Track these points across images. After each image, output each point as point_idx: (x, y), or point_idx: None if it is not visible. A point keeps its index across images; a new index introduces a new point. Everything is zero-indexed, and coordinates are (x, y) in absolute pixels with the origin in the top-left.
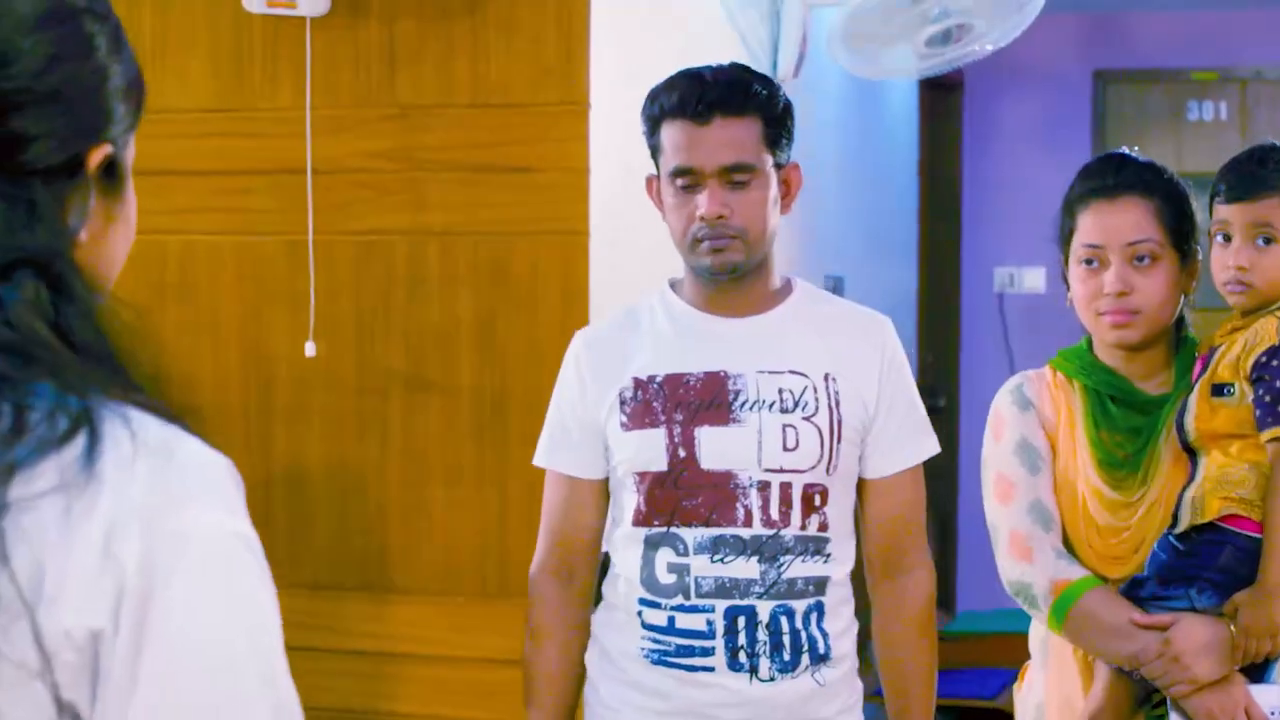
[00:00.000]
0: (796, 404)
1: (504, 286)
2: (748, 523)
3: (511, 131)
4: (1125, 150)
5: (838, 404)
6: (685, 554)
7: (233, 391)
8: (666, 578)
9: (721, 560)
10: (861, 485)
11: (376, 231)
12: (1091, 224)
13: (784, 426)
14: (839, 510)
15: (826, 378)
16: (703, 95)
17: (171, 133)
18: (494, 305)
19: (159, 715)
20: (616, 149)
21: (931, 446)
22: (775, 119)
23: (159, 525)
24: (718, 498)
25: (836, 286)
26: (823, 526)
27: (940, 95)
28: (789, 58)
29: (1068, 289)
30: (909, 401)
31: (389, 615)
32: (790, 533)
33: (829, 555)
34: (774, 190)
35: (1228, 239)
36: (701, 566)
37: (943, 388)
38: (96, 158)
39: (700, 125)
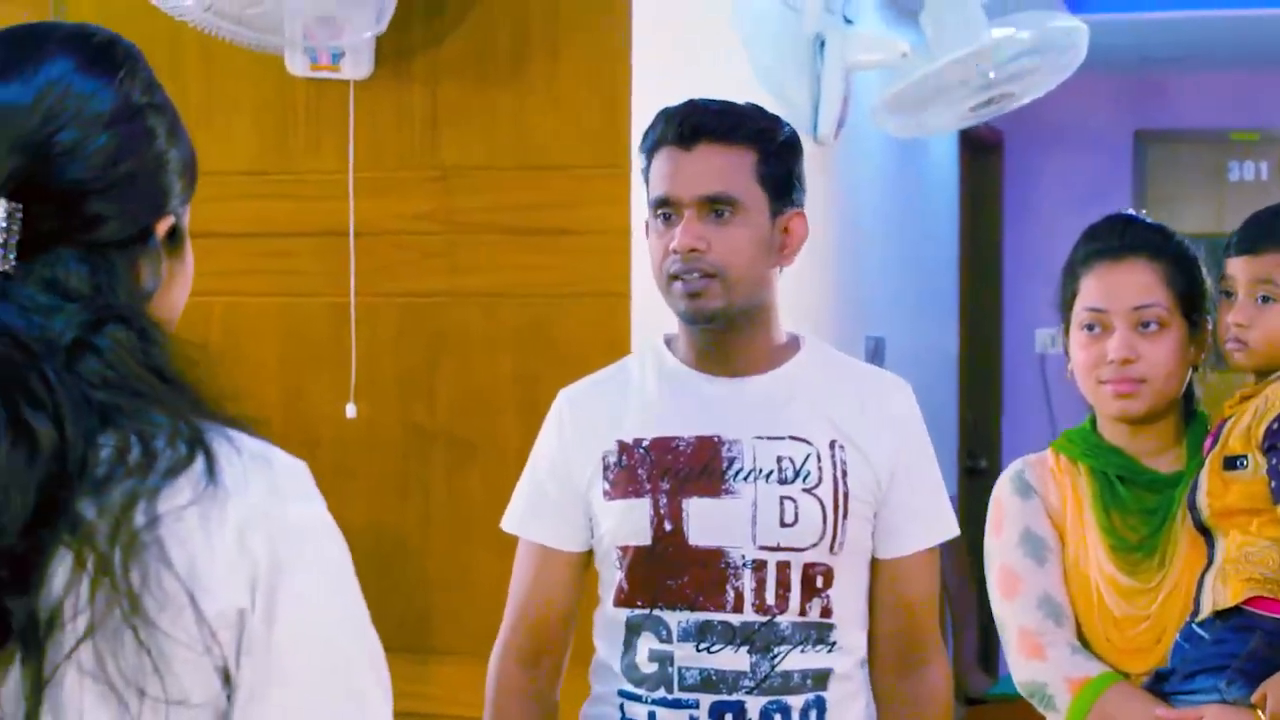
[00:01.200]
0: (797, 474)
1: (546, 348)
2: (737, 607)
3: (553, 194)
4: (1132, 211)
5: (844, 474)
6: (668, 640)
7: None
8: (648, 666)
9: (708, 649)
10: (872, 566)
11: (419, 293)
12: (1094, 287)
13: (782, 499)
14: (847, 593)
15: (833, 445)
16: (689, 119)
17: (215, 195)
18: (536, 367)
19: (291, 672)
20: None
21: (950, 528)
22: (772, 154)
23: (276, 520)
24: (705, 578)
25: (878, 348)
26: (826, 612)
27: (981, 156)
28: (829, 119)
29: (1068, 358)
30: (928, 476)
31: (431, 676)
32: (787, 619)
33: (834, 644)
34: (765, 233)
35: (1229, 295)
36: (686, 656)
37: (984, 449)
38: (162, 228)
39: (685, 151)
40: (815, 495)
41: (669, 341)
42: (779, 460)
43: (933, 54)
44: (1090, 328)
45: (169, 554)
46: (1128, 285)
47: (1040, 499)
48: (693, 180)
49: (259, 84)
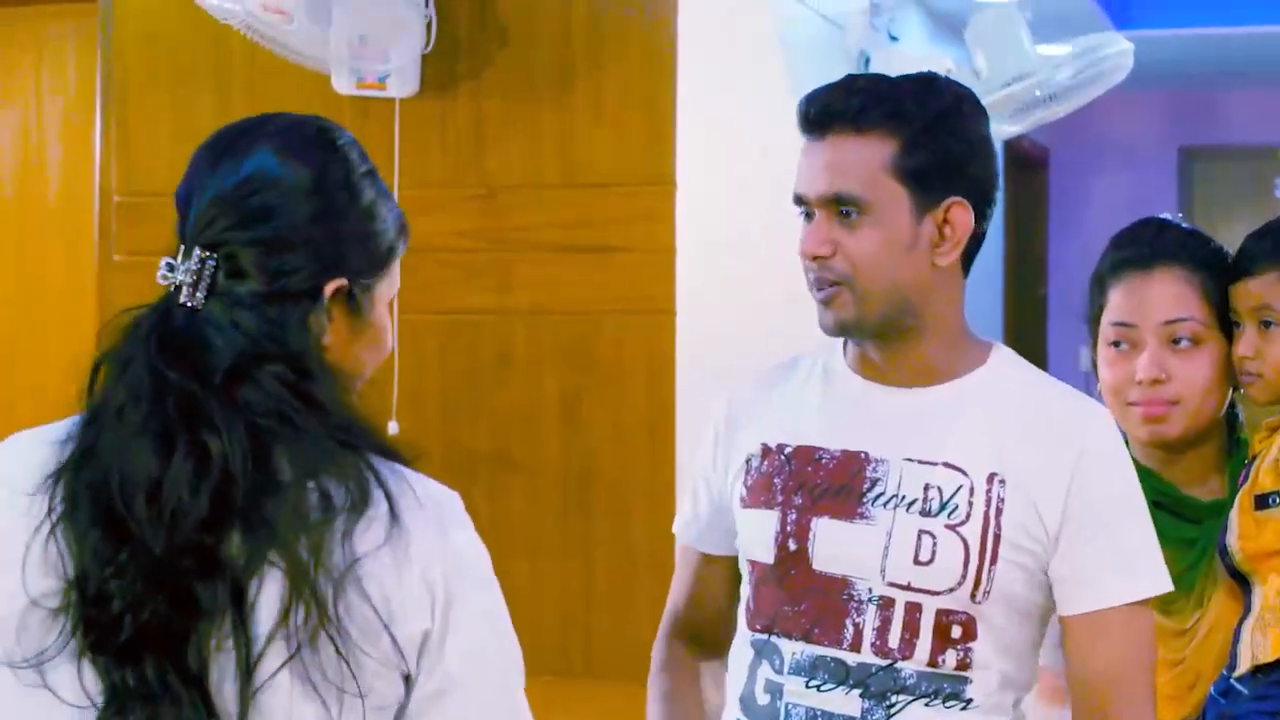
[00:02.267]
0: (943, 506)
1: (590, 365)
2: (855, 646)
3: (598, 211)
4: (1166, 216)
5: (998, 514)
6: (781, 671)
7: None
8: (762, 698)
9: (818, 687)
10: (1062, 626)
11: (463, 311)
12: (1122, 299)
13: (920, 533)
14: (994, 650)
15: (991, 479)
16: (819, 101)
17: None
18: (580, 384)
19: (460, 677)
20: (703, 228)
21: (1151, 584)
22: (918, 139)
23: (449, 556)
24: (824, 608)
25: None
26: (963, 665)
27: (1026, 171)
28: None
29: (1096, 378)
30: (1120, 521)
31: None
32: (912, 667)
33: (969, 703)
34: (905, 233)
35: (1238, 325)
36: (795, 691)
37: None
38: (330, 289)
39: (817, 140)
40: (959, 533)
41: (847, 341)
42: (926, 489)
43: (977, 70)
44: (1117, 344)
45: (367, 590)
46: (1158, 297)
47: None
48: (817, 176)
49: (305, 102)
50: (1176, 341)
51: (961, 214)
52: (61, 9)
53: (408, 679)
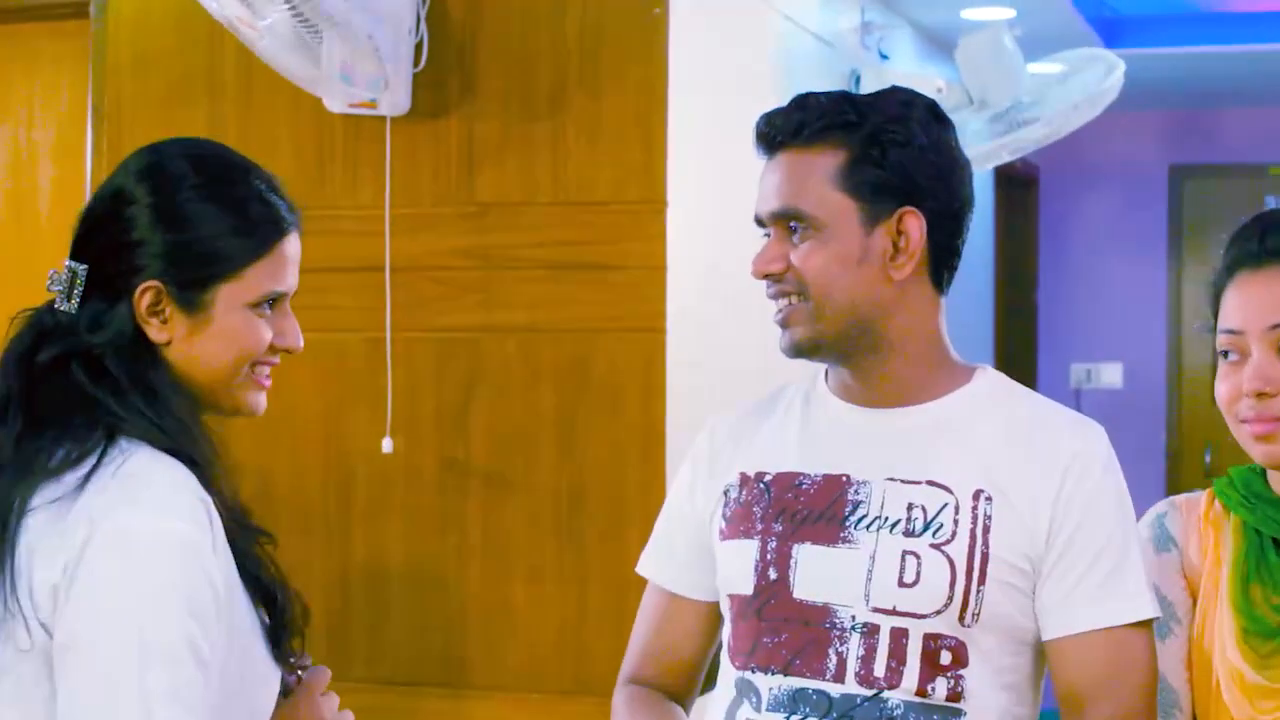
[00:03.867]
0: (927, 526)
1: (583, 384)
2: (838, 676)
3: (590, 230)
4: None
5: (985, 531)
6: (759, 709)
7: (312, 487)
8: None
9: None
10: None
11: (456, 329)
12: (1232, 303)
13: (904, 554)
14: (988, 677)
15: (977, 496)
16: (767, 121)
17: None
18: (573, 402)
19: (79, 632)
20: (695, 247)
21: (1136, 608)
22: (867, 150)
23: (105, 518)
24: (806, 638)
25: None
26: (955, 696)
27: (1016, 190)
28: None
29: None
30: (1110, 541)
31: (468, 712)
32: (899, 697)
33: None
34: (855, 246)
35: (1227, 355)
36: None
37: None
38: (140, 291)
39: (768, 159)
40: (944, 553)
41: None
42: (909, 508)
43: (968, 89)
44: (1226, 354)
45: (20, 537)
46: (1266, 300)
47: (1180, 553)
48: (769, 194)
49: (296, 119)
50: None
51: (914, 225)
52: (54, 28)
53: (46, 628)
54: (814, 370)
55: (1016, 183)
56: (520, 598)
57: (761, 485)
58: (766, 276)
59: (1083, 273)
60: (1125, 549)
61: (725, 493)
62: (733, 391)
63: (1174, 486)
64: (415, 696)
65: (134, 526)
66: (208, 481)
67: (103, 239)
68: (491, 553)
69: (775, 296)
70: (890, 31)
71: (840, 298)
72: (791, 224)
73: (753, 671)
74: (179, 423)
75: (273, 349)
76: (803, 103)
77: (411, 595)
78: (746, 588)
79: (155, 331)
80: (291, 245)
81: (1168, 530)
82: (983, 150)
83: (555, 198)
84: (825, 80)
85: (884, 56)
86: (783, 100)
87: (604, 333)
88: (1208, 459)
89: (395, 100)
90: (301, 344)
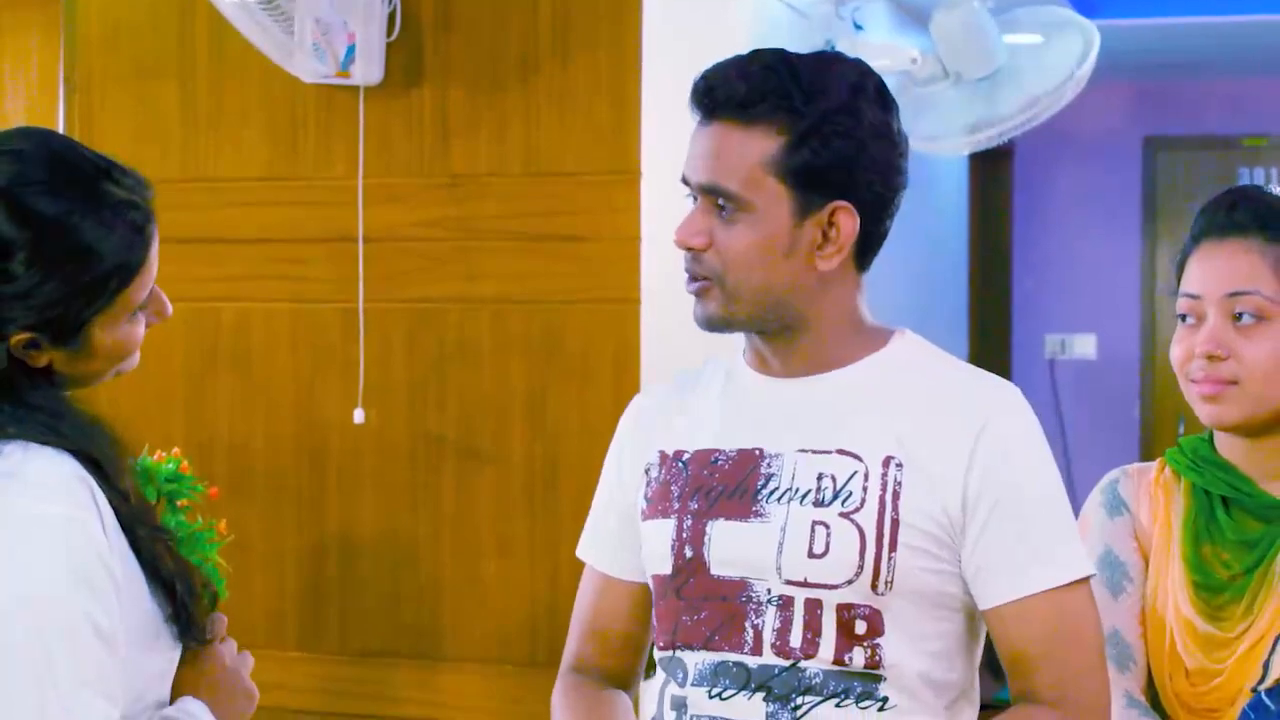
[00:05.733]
0: (836, 495)
1: (556, 355)
2: (756, 649)
3: (563, 201)
4: (1260, 185)
5: (895, 498)
6: (684, 685)
7: (285, 458)
8: (668, 716)
9: (719, 695)
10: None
11: (428, 300)
12: (1193, 270)
13: (814, 524)
14: (908, 646)
15: (888, 462)
16: (711, 82)
17: (225, 201)
18: (546, 374)
19: None
20: (668, 217)
21: (1071, 567)
22: (807, 138)
23: None
24: (724, 614)
25: None
26: (873, 664)
27: (991, 163)
28: None
29: None
30: (1036, 503)
31: (439, 684)
32: (816, 666)
33: (885, 702)
34: (782, 234)
35: (1185, 318)
36: (698, 702)
37: None
38: (14, 342)
39: (703, 125)
40: (853, 521)
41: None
42: (819, 478)
43: (943, 61)
44: (1184, 318)
45: None
46: (1225, 268)
47: (1131, 516)
48: (699, 162)
49: (269, 90)
50: (1240, 317)
51: (847, 220)
52: (25, 1)
53: None
54: (739, 343)
55: (990, 155)
56: (492, 570)
57: (680, 464)
58: (688, 250)
59: (1057, 244)
60: (1052, 509)
61: (646, 471)
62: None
63: (1147, 456)
64: (387, 668)
65: (13, 514)
66: (108, 478)
67: None
68: (463, 525)
69: (690, 270)
70: (865, 2)
71: (758, 284)
72: (720, 201)
73: (678, 650)
74: (75, 428)
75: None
76: (745, 70)
77: (383, 567)
78: (666, 567)
79: (35, 360)
80: (154, 246)
81: (1120, 495)
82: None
83: (528, 168)
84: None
85: (858, 27)
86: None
87: (577, 304)
88: (1181, 429)
89: (368, 71)
90: (171, 310)
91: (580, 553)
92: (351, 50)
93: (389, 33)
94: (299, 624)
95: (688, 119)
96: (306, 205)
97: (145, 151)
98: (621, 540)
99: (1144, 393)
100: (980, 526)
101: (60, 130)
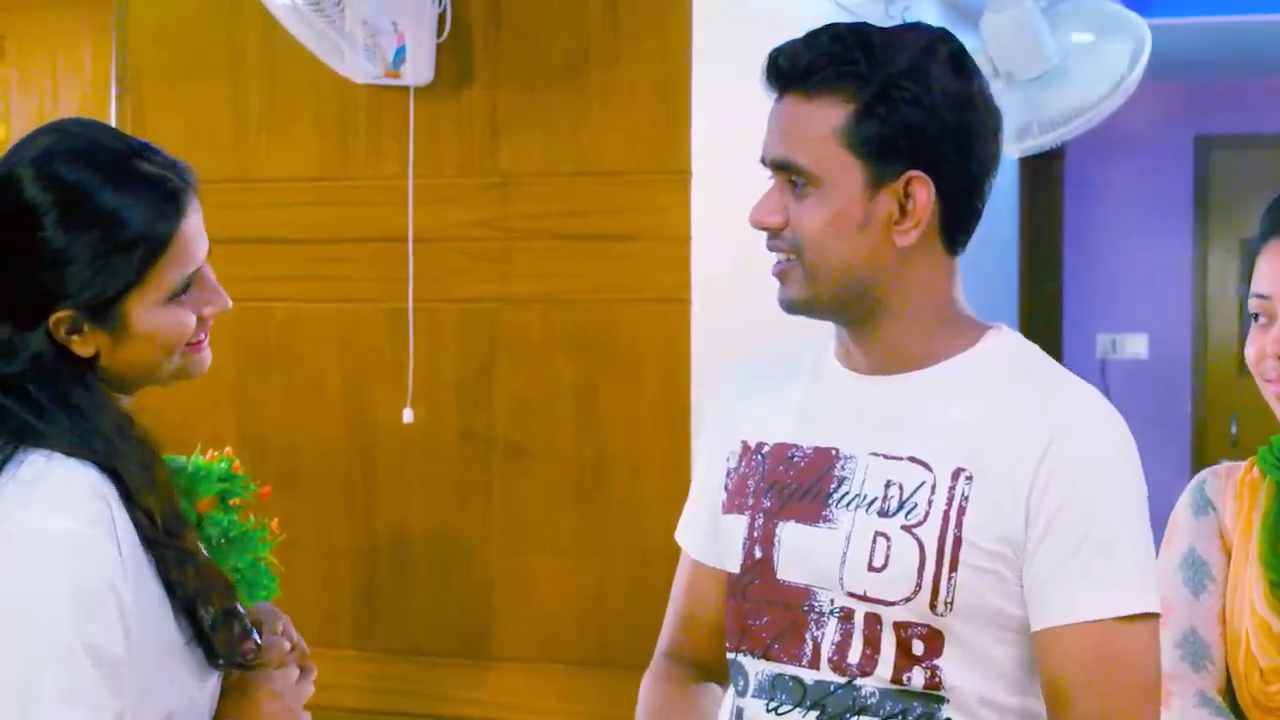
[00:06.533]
0: (901, 506)
1: (605, 354)
2: (813, 663)
3: (613, 200)
4: None
5: (961, 513)
6: (744, 694)
7: (335, 458)
8: None
9: (775, 710)
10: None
11: (478, 299)
12: (1263, 268)
13: (876, 535)
14: (974, 669)
15: (957, 474)
16: (777, 58)
17: (276, 201)
18: (595, 373)
19: None
20: (717, 216)
21: (1136, 599)
22: (876, 105)
23: None
24: (785, 621)
25: None
26: (933, 684)
27: (1041, 162)
28: None
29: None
30: (1096, 523)
31: (488, 682)
32: (873, 685)
33: None
34: (856, 207)
35: (1257, 318)
36: (755, 715)
37: None
38: (54, 320)
39: (776, 101)
40: (914, 536)
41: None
42: (887, 486)
43: (993, 61)
44: (1256, 317)
45: None
46: None
47: (1216, 515)
48: (771, 139)
49: (320, 90)
50: None
51: (922, 190)
52: (77, 1)
53: None
54: (832, 331)
55: (1041, 154)
56: (541, 569)
57: (759, 457)
58: (764, 228)
59: (1108, 243)
60: (1119, 532)
61: (728, 460)
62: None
63: (1199, 457)
64: (437, 666)
65: (21, 526)
66: (132, 493)
67: (7, 264)
68: (512, 524)
69: (772, 249)
70: (915, 0)
71: (836, 261)
72: (793, 178)
73: (741, 655)
74: (105, 439)
75: (201, 320)
76: (813, 41)
77: (433, 566)
78: (735, 566)
79: (80, 348)
80: (191, 222)
81: (1206, 494)
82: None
83: (578, 168)
84: None
85: None
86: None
87: (626, 303)
88: (1233, 429)
89: (418, 71)
90: (230, 303)
91: (677, 535)
92: (402, 51)
93: (439, 33)
94: (350, 623)
95: (737, 118)
96: (356, 205)
97: (196, 151)
98: (709, 528)
99: (1196, 393)
100: (1036, 544)
101: None
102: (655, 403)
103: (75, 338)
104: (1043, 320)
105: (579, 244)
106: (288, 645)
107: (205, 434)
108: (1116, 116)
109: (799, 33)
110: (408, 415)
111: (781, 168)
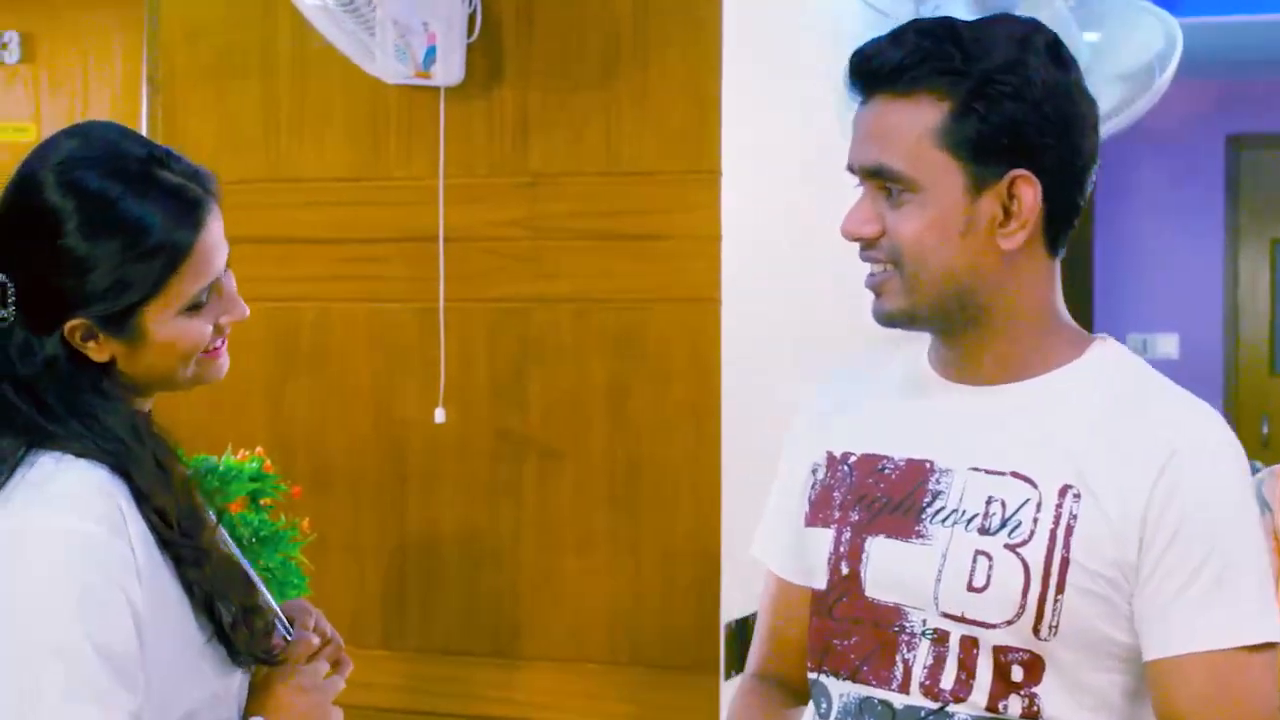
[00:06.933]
0: (1004, 523)
1: (636, 354)
2: (904, 687)
3: (643, 199)
4: None
5: (1069, 533)
6: (827, 716)
7: (366, 458)
8: None
9: None
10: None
11: (508, 299)
12: None
13: (976, 553)
14: (1075, 698)
15: (1064, 491)
16: (864, 58)
17: (306, 201)
18: (626, 373)
19: None
20: (748, 216)
21: (1259, 628)
22: (974, 102)
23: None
24: (874, 642)
25: None
26: (1031, 713)
27: None
28: None
29: None
30: (1214, 549)
31: (519, 682)
32: (966, 712)
33: None
34: (956, 213)
35: None
36: None
37: None
38: (69, 328)
39: (862, 104)
40: (1019, 555)
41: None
42: (988, 502)
43: None
44: None
45: None
46: None
47: (1271, 516)
48: (860, 145)
49: (351, 91)
50: None
51: (1028, 190)
52: (108, 1)
53: None
54: (922, 338)
55: None
56: (572, 568)
57: (845, 467)
58: (857, 239)
59: (1139, 243)
60: (1240, 557)
61: (813, 472)
62: (790, 363)
63: None
64: (468, 665)
65: (27, 525)
66: (144, 493)
67: (26, 267)
68: (543, 523)
69: (866, 260)
70: (946, 1)
71: (938, 270)
72: (888, 184)
73: (825, 675)
74: (117, 441)
75: (218, 329)
76: (901, 38)
77: (464, 565)
78: (821, 582)
79: (95, 353)
80: (210, 233)
81: (1262, 495)
82: None
83: (608, 167)
84: None
85: None
86: (838, 71)
87: (657, 303)
88: (1264, 430)
89: (449, 71)
90: (247, 311)
91: (755, 551)
92: (432, 51)
93: (470, 33)
94: (381, 622)
95: (768, 118)
96: (387, 205)
97: (227, 151)
98: (791, 542)
99: (1227, 392)
100: (1151, 569)
101: (144, 129)
102: (685, 402)
103: (90, 344)
104: (1073, 319)
105: (610, 243)
106: (316, 640)
107: (236, 434)
108: (1148, 116)
109: (830, 33)
110: (439, 415)
111: (874, 175)
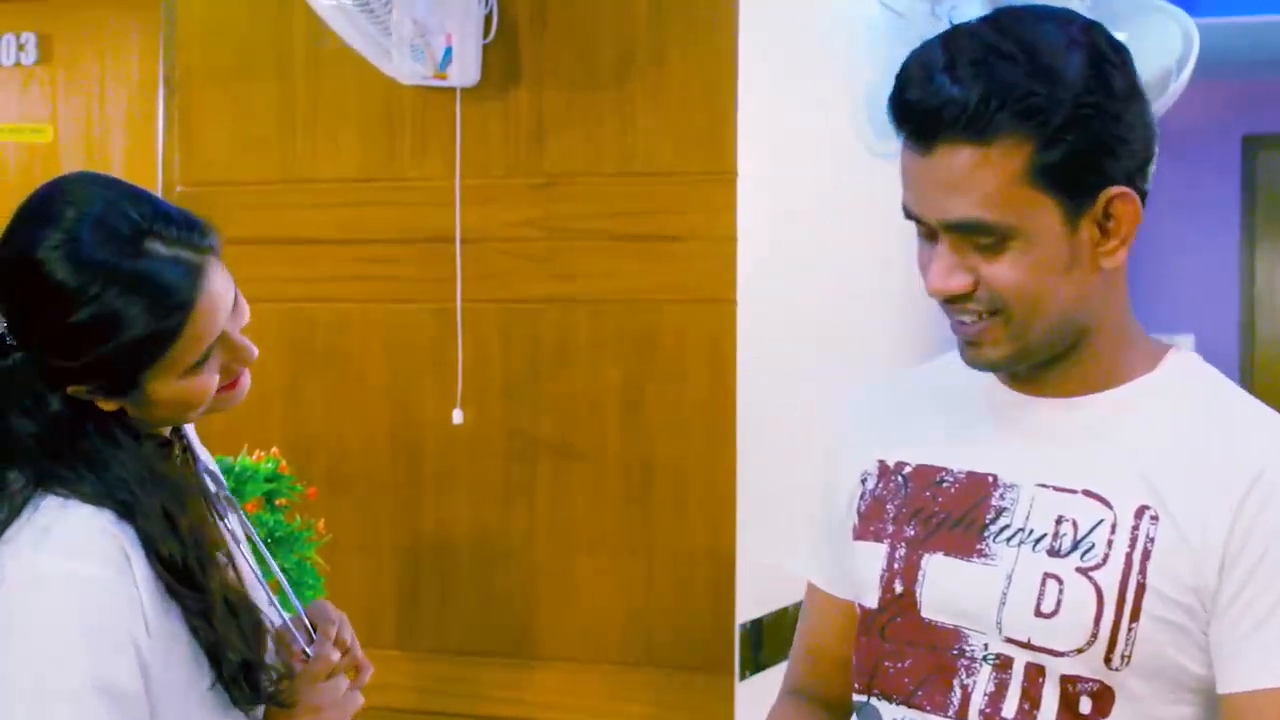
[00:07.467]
0: (1075, 545)
1: (651, 355)
2: (960, 713)
3: (659, 200)
4: None
5: (1145, 557)
6: None
7: (381, 458)
8: None
9: None
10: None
11: (524, 300)
12: None
13: (1046, 576)
14: None
15: (1141, 513)
16: (924, 104)
17: (321, 202)
18: (641, 374)
19: None
20: (764, 217)
21: None
22: (1060, 131)
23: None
24: (930, 666)
25: None
26: None
27: None
28: None
29: None
30: None
31: (532, 682)
32: None
33: None
34: (1060, 247)
35: None
36: None
37: None
38: (71, 391)
39: (922, 154)
40: (1092, 580)
41: None
42: (1058, 522)
43: None
44: None
45: None
46: None
47: None
48: (934, 198)
49: (366, 91)
50: None
51: (1124, 206)
52: (125, 2)
53: None
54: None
55: None
56: (586, 569)
57: (899, 478)
58: (949, 297)
59: (1155, 244)
60: None
61: (863, 482)
62: (806, 364)
63: None
64: (482, 666)
65: (31, 569)
66: (150, 542)
67: (29, 330)
68: (558, 524)
69: (957, 313)
70: (962, 1)
71: (1050, 310)
72: (981, 240)
73: (874, 698)
74: (124, 488)
75: (229, 371)
76: (957, 74)
77: (479, 566)
78: (871, 600)
79: (103, 404)
80: (208, 296)
81: None
82: None
83: (624, 168)
84: (895, 50)
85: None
86: (854, 72)
87: (672, 304)
88: None
89: (465, 72)
90: (256, 353)
91: (798, 566)
92: (449, 52)
93: (485, 34)
94: (395, 622)
95: (784, 118)
96: (403, 206)
97: (243, 152)
98: (834, 554)
99: None
100: (1231, 598)
101: (159, 130)
102: (701, 403)
103: (98, 398)
104: None
105: (625, 244)
106: (336, 656)
107: (252, 434)
108: (1164, 116)
109: (848, 34)
110: (457, 416)
111: (962, 229)
